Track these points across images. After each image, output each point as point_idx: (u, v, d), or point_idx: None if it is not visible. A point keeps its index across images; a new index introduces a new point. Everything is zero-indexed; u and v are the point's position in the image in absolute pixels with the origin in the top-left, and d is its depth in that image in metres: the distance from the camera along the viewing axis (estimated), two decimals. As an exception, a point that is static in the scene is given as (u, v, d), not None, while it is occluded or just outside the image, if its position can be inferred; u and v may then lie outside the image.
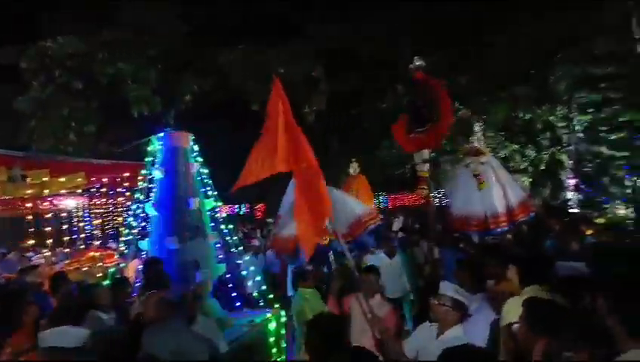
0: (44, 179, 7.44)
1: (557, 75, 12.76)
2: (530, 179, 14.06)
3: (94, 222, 11.13)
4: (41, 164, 7.99)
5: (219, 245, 6.28)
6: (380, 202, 16.81)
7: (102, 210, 11.94)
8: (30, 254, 8.78)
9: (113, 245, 9.68)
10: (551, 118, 13.10)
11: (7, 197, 9.05)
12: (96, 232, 11.12)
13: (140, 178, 7.18)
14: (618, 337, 1.99)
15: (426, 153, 4.51)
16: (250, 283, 6.19)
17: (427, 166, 4.51)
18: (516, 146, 15.30)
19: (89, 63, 11.71)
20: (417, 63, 4.46)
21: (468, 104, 15.08)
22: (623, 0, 11.51)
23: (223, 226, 6.35)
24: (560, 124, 12.94)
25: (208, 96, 13.89)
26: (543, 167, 13.24)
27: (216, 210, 6.66)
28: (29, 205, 9.05)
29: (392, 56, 14.39)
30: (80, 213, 10.90)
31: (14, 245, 10.03)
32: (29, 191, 7.65)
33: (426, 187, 4.65)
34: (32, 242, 9.15)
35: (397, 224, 10.51)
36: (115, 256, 8.22)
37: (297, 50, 14.77)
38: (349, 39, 15.38)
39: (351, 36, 15.34)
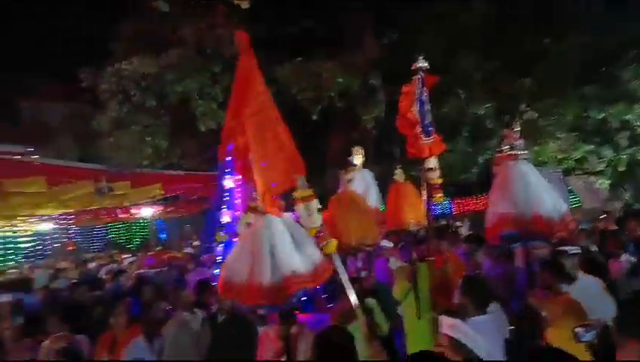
0: (127, 190, 8.08)
1: (628, 74, 12.09)
2: (609, 181, 13.21)
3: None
4: (122, 177, 8.71)
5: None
6: (443, 208, 16.45)
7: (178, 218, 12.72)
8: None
9: (189, 250, 10.27)
10: (628, 116, 12.28)
11: (93, 208, 9.92)
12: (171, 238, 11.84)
13: (212, 188, 7.64)
14: None
15: (435, 160, 4.42)
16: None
17: (438, 173, 4.41)
18: (591, 147, 14.48)
19: (160, 82, 12.54)
20: (424, 64, 4.35)
21: (534, 106, 14.52)
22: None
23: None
24: (638, 123, 12.11)
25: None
26: (622, 169, 12.39)
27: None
28: (113, 214, 9.84)
29: (448, 62, 14.19)
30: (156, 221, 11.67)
31: (100, 252, 10.90)
32: (113, 202, 8.35)
33: (441, 194, 4.51)
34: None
35: (464, 228, 10.25)
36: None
37: (353, 60, 14.91)
38: (404, 49, 15.33)
39: (405, 46, 15.28)
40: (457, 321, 2.78)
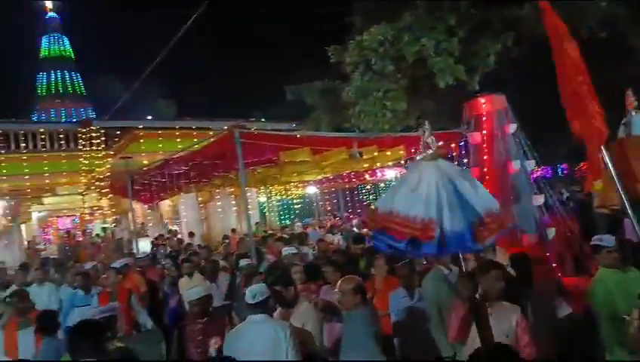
0: (374, 154, 8.69)
1: None
2: None
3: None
4: (370, 142, 9.38)
5: (545, 208, 5.90)
6: None
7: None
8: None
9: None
10: None
11: (346, 172, 11.05)
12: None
13: (454, 146, 7.50)
14: None
15: None
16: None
17: None
18: None
19: (397, 46, 12.81)
20: None
21: None
22: None
23: (547, 189, 5.94)
24: None
25: (511, 53, 13.07)
26: None
27: (536, 171, 6.30)
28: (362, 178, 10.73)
29: None
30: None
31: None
32: (363, 166, 9.12)
33: None
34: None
35: None
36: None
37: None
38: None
39: None
40: None
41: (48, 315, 4.43)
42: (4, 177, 16.04)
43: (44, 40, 32.53)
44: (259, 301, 3.48)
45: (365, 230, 9.56)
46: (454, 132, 7.46)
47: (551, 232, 5.68)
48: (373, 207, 3.60)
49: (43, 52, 32.41)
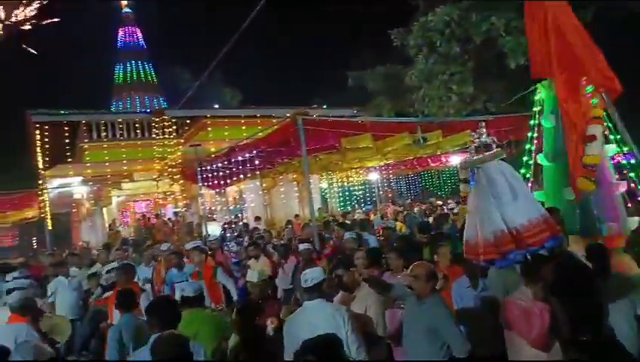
0: (439, 139, 8.46)
1: None
2: None
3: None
4: (434, 127, 9.13)
5: (628, 196, 5.45)
6: None
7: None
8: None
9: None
10: None
11: (409, 158, 10.84)
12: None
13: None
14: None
15: None
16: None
17: None
18: None
19: (464, 26, 12.27)
20: None
21: None
22: None
23: (632, 174, 5.47)
24: None
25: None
26: None
27: (621, 156, 5.82)
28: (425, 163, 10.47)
29: None
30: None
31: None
32: (426, 152, 8.91)
33: None
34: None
35: None
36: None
37: None
38: None
39: None
40: None
41: (124, 293, 4.68)
42: (88, 164, 17.38)
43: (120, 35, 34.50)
44: (312, 284, 3.56)
45: (431, 219, 9.40)
46: (524, 115, 7.07)
47: (634, 222, 5.25)
48: (482, 240, 3.97)
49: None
